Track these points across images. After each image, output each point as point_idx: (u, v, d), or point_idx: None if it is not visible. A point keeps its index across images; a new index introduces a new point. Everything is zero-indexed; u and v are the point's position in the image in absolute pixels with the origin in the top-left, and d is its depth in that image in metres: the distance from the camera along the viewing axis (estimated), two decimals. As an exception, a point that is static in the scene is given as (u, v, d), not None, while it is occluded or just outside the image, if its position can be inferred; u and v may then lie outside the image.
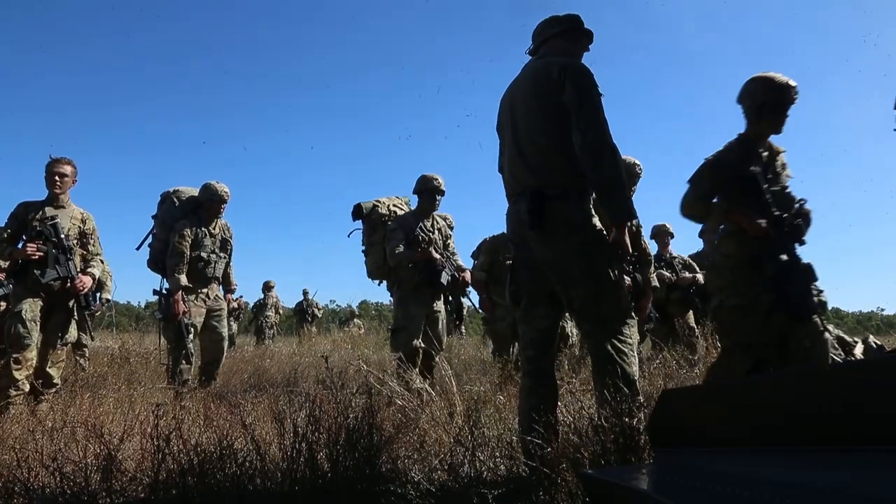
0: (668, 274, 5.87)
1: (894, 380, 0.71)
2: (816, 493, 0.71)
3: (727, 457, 0.95)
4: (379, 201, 4.70)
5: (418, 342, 4.27)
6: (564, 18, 2.51)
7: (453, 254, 4.67)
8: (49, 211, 3.86)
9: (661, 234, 6.01)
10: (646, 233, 6.08)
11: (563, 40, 2.49)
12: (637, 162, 3.42)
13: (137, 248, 4.76)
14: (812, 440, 0.79)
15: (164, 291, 4.64)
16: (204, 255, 4.64)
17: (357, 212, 4.64)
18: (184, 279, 4.51)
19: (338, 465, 1.97)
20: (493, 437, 2.30)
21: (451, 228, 4.80)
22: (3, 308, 4.29)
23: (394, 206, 4.71)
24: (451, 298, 5.10)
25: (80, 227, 3.99)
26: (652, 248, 6.18)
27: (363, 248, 4.74)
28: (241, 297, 13.09)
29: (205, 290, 4.69)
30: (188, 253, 4.56)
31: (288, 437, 2.09)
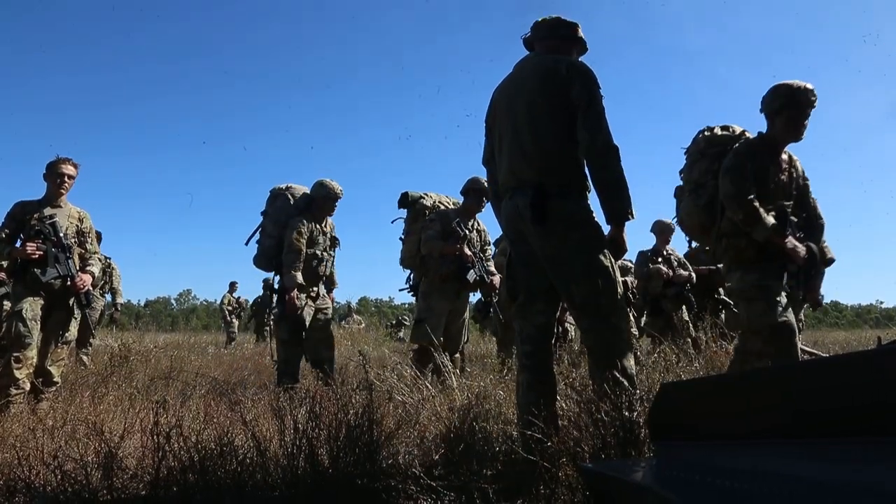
0: (665, 269, 5.89)
1: (893, 371, 0.71)
2: (817, 486, 0.71)
3: (727, 450, 0.95)
4: (427, 194, 4.72)
5: (439, 336, 4.26)
6: (572, 25, 2.56)
7: (487, 260, 4.67)
8: (47, 210, 3.85)
9: (664, 230, 6.04)
10: (646, 228, 6.10)
11: (564, 44, 2.54)
12: (809, 87, 2.82)
13: (246, 244, 4.75)
14: (813, 432, 0.79)
15: (276, 287, 4.65)
16: (318, 252, 4.64)
17: (403, 200, 4.66)
18: (300, 277, 4.49)
19: (338, 461, 1.97)
20: (494, 431, 2.31)
21: (488, 244, 4.79)
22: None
23: (440, 202, 4.72)
24: (483, 300, 5.11)
25: (77, 226, 3.99)
26: (652, 242, 6.22)
27: (401, 235, 4.75)
28: (240, 296, 13.16)
29: (315, 289, 4.69)
30: (305, 250, 4.54)
31: (288, 433, 2.09)
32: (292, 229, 4.51)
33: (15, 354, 3.64)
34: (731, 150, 2.87)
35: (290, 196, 4.70)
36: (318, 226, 4.67)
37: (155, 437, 1.97)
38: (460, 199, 4.72)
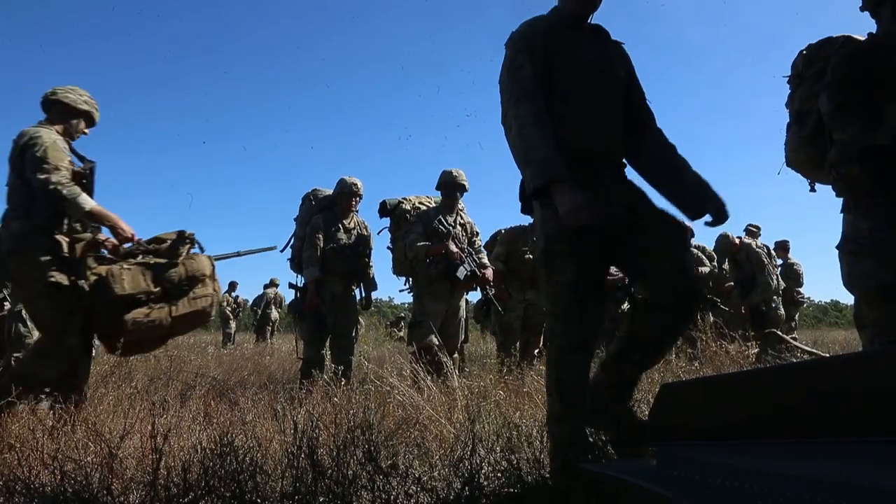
0: None
1: (892, 371, 0.71)
2: (816, 484, 0.71)
3: (727, 449, 0.95)
4: (405, 198, 4.73)
5: (434, 338, 4.27)
6: None
7: (478, 252, 4.66)
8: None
9: None
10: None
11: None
12: None
13: (282, 251, 4.84)
14: (812, 432, 0.79)
15: (299, 286, 4.69)
16: (335, 247, 4.62)
17: (382, 209, 4.68)
18: (316, 271, 4.51)
19: (338, 462, 1.97)
20: (493, 431, 2.31)
21: (476, 235, 4.78)
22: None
23: (420, 203, 4.72)
24: (482, 297, 5.11)
25: (77, 226, 3.98)
26: None
27: (388, 245, 4.77)
28: (238, 295, 13.16)
29: (339, 286, 4.68)
30: (321, 245, 4.56)
31: (288, 433, 2.10)
32: (310, 227, 4.60)
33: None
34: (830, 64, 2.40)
35: (312, 198, 4.81)
36: (341, 223, 4.67)
37: (154, 437, 1.97)
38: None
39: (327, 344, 4.65)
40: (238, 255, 4.03)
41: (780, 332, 5.02)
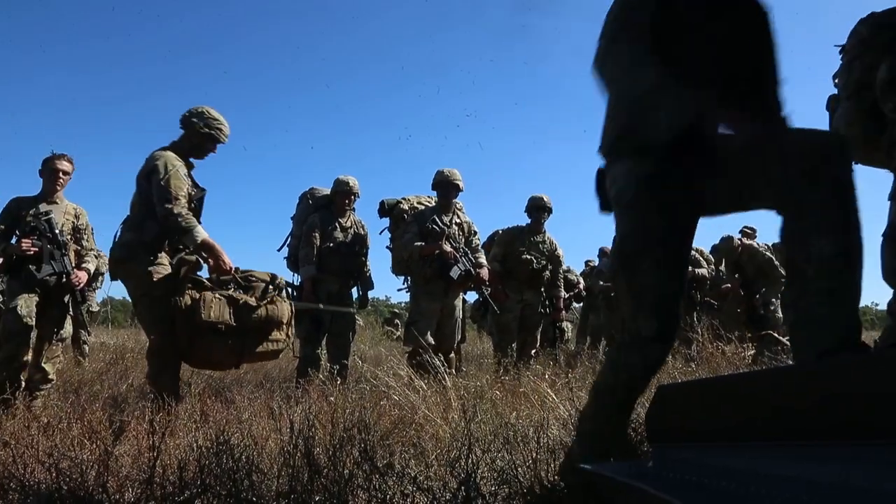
0: None
1: (890, 375, 0.71)
2: (814, 486, 0.71)
3: (724, 451, 0.95)
4: (404, 198, 4.75)
5: (429, 337, 4.28)
6: None
7: (475, 251, 4.66)
8: (42, 206, 3.84)
9: None
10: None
11: None
12: None
13: (279, 250, 4.86)
14: (809, 434, 0.79)
15: (296, 284, 4.68)
16: (332, 245, 4.61)
17: (381, 209, 4.70)
18: (313, 269, 4.51)
19: (335, 461, 1.97)
20: (490, 431, 2.31)
21: (475, 234, 4.79)
22: None
23: (418, 202, 4.75)
24: (479, 298, 5.11)
25: (73, 223, 3.97)
26: None
27: (388, 245, 4.78)
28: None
29: (335, 285, 4.66)
30: (318, 244, 4.56)
31: (284, 432, 2.09)
32: (306, 226, 4.60)
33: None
34: None
35: (309, 197, 4.81)
36: (338, 222, 4.67)
37: (150, 435, 1.97)
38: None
39: (323, 343, 4.65)
40: (320, 308, 4.41)
41: (776, 335, 5.03)
